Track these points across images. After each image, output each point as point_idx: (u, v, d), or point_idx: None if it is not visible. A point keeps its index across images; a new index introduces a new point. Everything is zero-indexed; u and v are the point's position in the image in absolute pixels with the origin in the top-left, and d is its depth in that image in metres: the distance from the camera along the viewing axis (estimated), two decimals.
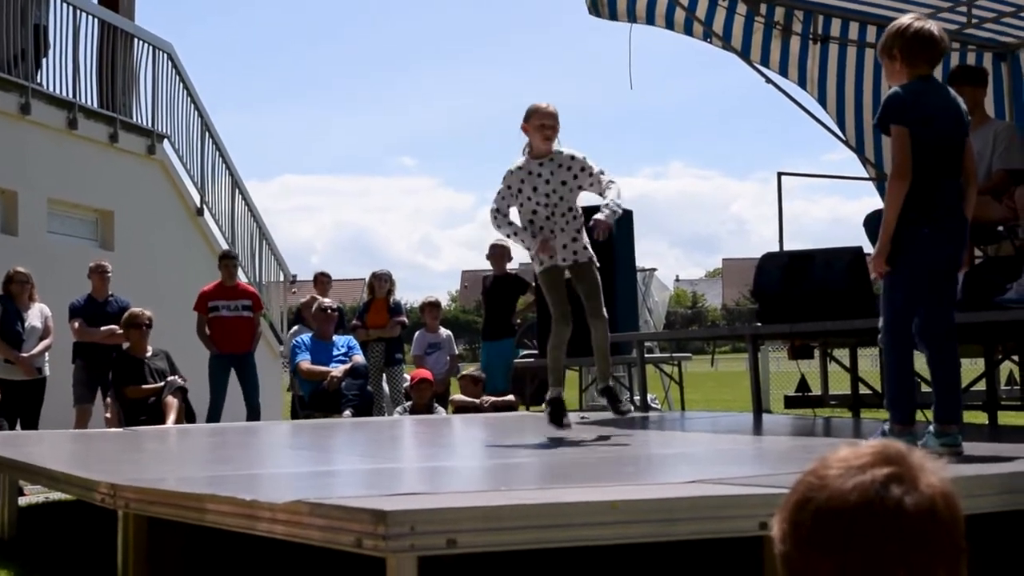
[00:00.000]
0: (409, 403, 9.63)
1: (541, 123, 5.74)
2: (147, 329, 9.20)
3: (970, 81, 6.78)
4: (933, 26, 4.33)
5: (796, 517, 1.25)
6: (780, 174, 10.33)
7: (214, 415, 9.92)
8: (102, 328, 9.62)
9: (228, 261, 10.70)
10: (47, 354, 9.18)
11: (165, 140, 13.71)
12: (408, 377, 10.36)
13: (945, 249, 4.29)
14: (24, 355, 8.90)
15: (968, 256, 4.50)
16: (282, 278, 15.96)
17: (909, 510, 1.20)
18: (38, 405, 8.99)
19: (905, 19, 4.37)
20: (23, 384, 8.88)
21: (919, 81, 4.31)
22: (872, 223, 4.97)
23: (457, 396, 10.06)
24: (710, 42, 10.07)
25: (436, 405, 9.65)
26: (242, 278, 14.79)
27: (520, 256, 11.00)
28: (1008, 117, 9.61)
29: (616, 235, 10.04)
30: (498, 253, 10.77)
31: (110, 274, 9.94)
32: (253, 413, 10.25)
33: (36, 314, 9.17)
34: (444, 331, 11.14)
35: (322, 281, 11.87)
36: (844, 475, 1.23)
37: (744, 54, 10.02)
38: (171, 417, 8.60)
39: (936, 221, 4.24)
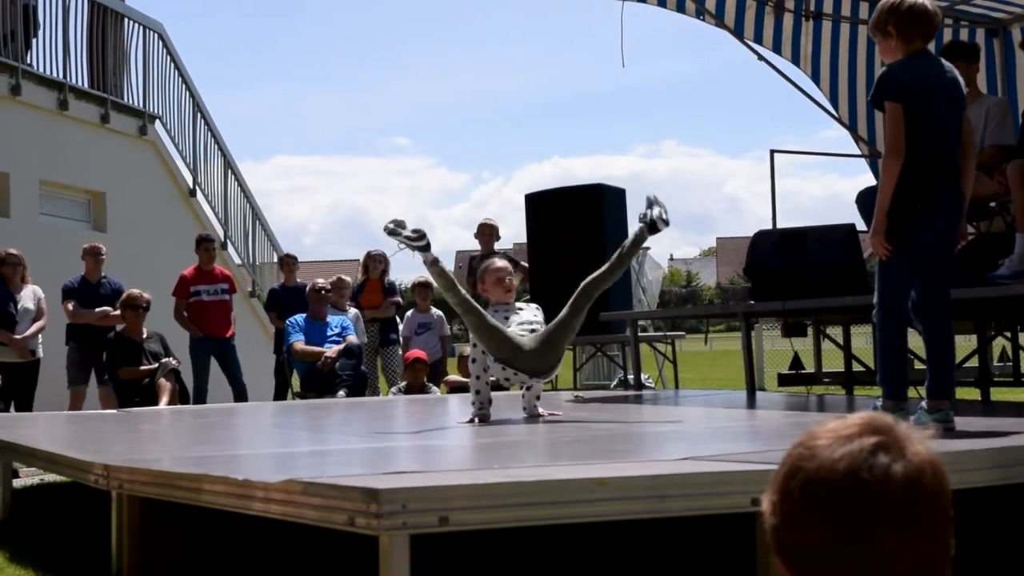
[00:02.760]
0: (403, 384, 9.64)
1: (499, 278, 5.74)
2: (144, 312, 9.22)
3: (963, 56, 6.77)
4: (926, 0, 4.31)
5: (785, 488, 1.26)
6: (773, 152, 10.33)
7: (199, 397, 9.96)
8: (96, 310, 9.62)
9: (207, 244, 10.74)
10: (40, 336, 9.17)
11: (157, 121, 13.68)
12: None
13: (941, 224, 4.29)
14: (17, 337, 8.89)
15: (964, 231, 4.50)
16: (276, 259, 15.95)
17: (896, 478, 1.21)
18: (32, 387, 8.98)
19: None
20: (17, 366, 8.86)
21: (914, 57, 4.30)
22: (864, 200, 4.97)
23: (452, 376, 10.06)
24: (703, 19, 10.05)
25: (428, 384, 9.65)
26: (236, 259, 14.82)
27: (508, 235, 10.98)
28: (1000, 93, 9.61)
29: (608, 214, 10.07)
30: (487, 232, 10.73)
31: (104, 256, 9.93)
32: (240, 393, 10.32)
33: (29, 296, 9.15)
34: (435, 311, 11.14)
35: (288, 263, 11.78)
36: (832, 445, 1.24)
37: (737, 32, 10.00)
38: (164, 399, 8.61)
39: (931, 197, 4.24)
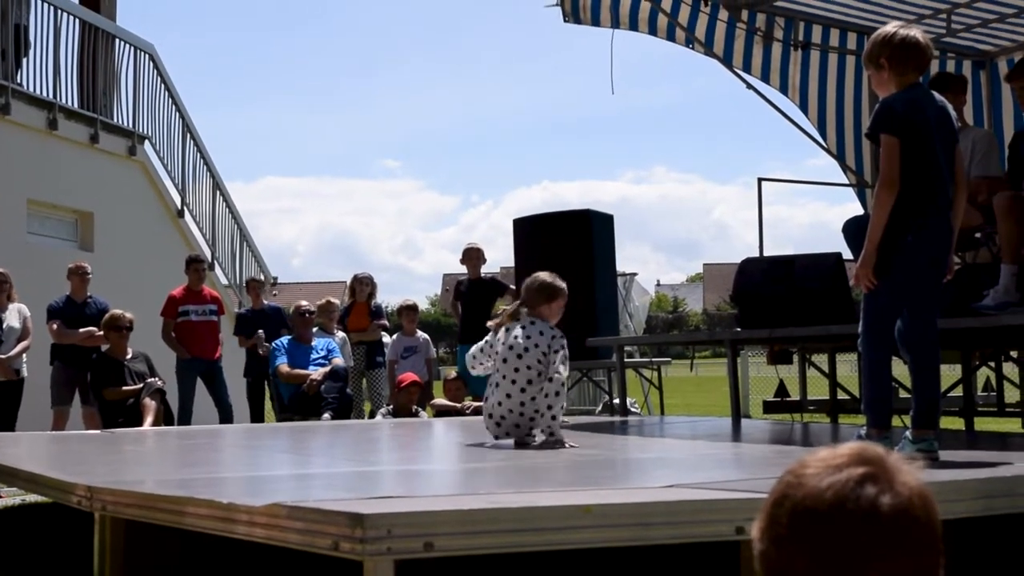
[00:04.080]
0: (391, 406, 9.62)
1: (562, 306, 5.63)
2: (127, 332, 9.19)
3: (951, 89, 6.81)
4: (918, 33, 4.34)
5: (773, 515, 1.27)
6: (761, 180, 10.37)
7: (184, 418, 9.93)
8: (81, 330, 9.58)
9: (197, 265, 10.73)
10: (25, 355, 9.13)
11: (146, 141, 13.68)
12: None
13: (929, 255, 4.31)
14: (2, 356, 8.85)
15: (952, 264, 4.52)
16: (249, 277, 15.92)
17: (883, 509, 1.22)
18: (15, 407, 8.94)
19: (889, 27, 4.38)
20: (0, 385, 8.82)
21: (909, 90, 4.33)
22: (851, 229, 4.99)
23: (439, 400, 10.04)
24: (692, 48, 10.10)
25: (416, 408, 9.63)
26: (223, 280, 14.81)
27: (496, 259, 11.02)
28: (986, 124, 9.68)
29: (596, 239, 10.10)
30: (473, 256, 10.73)
31: (90, 275, 9.90)
32: (226, 414, 10.29)
33: (14, 314, 9.12)
34: (421, 334, 11.13)
35: (254, 287, 11.77)
36: (820, 474, 1.25)
37: (726, 60, 10.06)
38: (149, 419, 8.58)
39: (921, 229, 4.26)
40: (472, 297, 10.80)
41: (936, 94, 4.48)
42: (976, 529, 3.78)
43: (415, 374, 10.11)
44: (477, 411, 9.54)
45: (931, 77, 7.36)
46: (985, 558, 4.09)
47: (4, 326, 9.00)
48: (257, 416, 10.78)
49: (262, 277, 12.09)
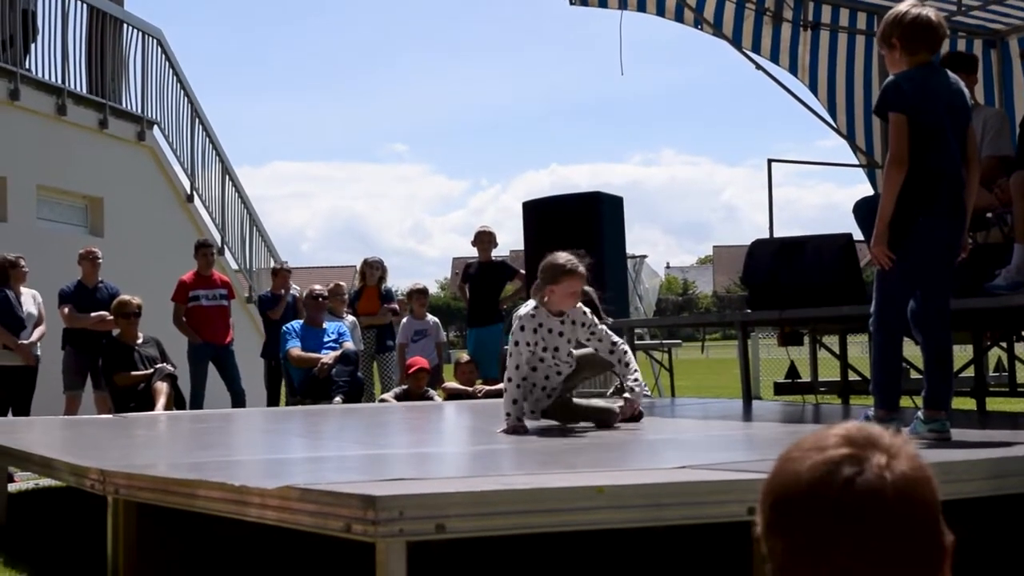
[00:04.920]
0: (400, 388, 9.63)
1: (574, 291, 5.36)
2: (136, 317, 9.20)
3: (962, 68, 6.77)
4: (930, 12, 4.32)
5: (761, 498, 1.26)
6: (770, 161, 10.35)
7: (196, 403, 9.96)
8: (92, 314, 9.61)
9: (206, 250, 10.74)
10: (41, 338, 9.18)
11: (155, 126, 13.68)
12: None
13: (941, 236, 4.30)
14: (24, 341, 8.90)
15: (966, 243, 4.50)
16: (272, 265, 15.94)
17: (857, 490, 1.17)
18: (30, 392, 8.97)
19: (902, 7, 4.36)
20: (15, 370, 8.85)
21: (919, 68, 4.31)
22: (861, 210, 4.96)
23: (450, 384, 10.05)
24: (701, 29, 10.07)
25: (428, 390, 9.64)
26: (233, 265, 14.82)
27: (506, 243, 11.01)
28: (997, 104, 9.64)
29: (605, 222, 10.09)
30: (484, 239, 10.78)
31: (100, 260, 9.92)
32: (238, 399, 10.32)
33: (29, 300, 9.16)
34: (431, 318, 11.13)
35: (283, 276, 11.78)
36: (804, 456, 1.22)
37: (735, 41, 10.02)
38: (160, 403, 8.60)
39: (933, 208, 4.25)
40: (481, 280, 10.81)
41: (949, 72, 4.46)
42: (988, 509, 3.77)
43: (425, 357, 10.14)
44: (489, 394, 9.57)
45: (942, 56, 7.32)
46: (997, 537, 4.09)
47: (24, 312, 9.04)
48: (274, 399, 10.79)
49: (288, 266, 12.10)
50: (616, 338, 5.53)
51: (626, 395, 5.52)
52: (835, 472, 1.19)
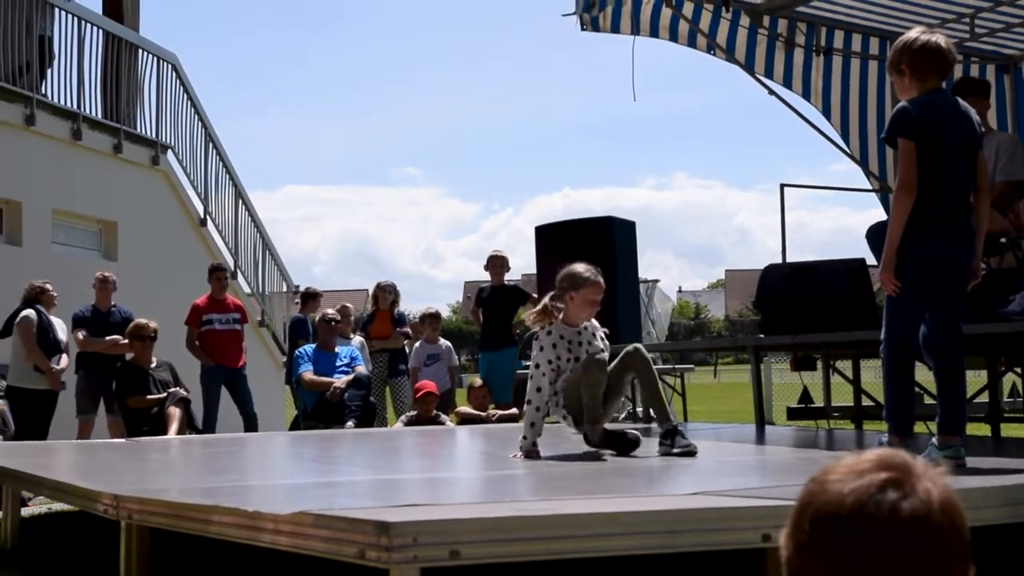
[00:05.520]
0: (412, 413, 9.63)
1: (594, 299, 5.49)
2: (151, 341, 9.23)
3: (974, 93, 6.79)
4: (940, 38, 4.34)
5: (797, 521, 1.26)
6: (783, 185, 10.35)
7: (209, 426, 9.96)
8: (106, 338, 9.64)
9: (220, 274, 10.78)
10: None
11: (169, 151, 13.75)
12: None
13: (951, 261, 4.30)
14: (56, 367, 8.99)
15: (978, 268, 4.50)
16: (285, 289, 15.98)
17: (903, 515, 1.20)
18: (49, 416, 9.03)
19: (912, 33, 4.38)
20: (39, 394, 8.91)
21: (929, 94, 4.32)
22: (874, 234, 4.97)
23: (463, 408, 10.04)
24: (713, 54, 10.09)
25: (439, 415, 9.64)
26: (245, 288, 14.86)
27: (518, 267, 11.02)
28: (1011, 129, 9.63)
29: (618, 246, 10.08)
30: (496, 264, 10.79)
31: (114, 284, 9.96)
32: (251, 423, 10.32)
33: (59, 327, 9.27)
34: (444, 342, 11.13)
35: (312, 303, 11.94)
36: (843, 480, 1.24)
37: (748, 66, 10.04)
38: (173, 428, 8.61)
39: (942, 234, 4.25)
40: (494, 304, 10.81)
41: (959, 99, 4.47)
42: (1004, 536, 3.75)
43: (437, 382, 10.14)
44: (502, 419, 9.56)
45: (955, 81, 7.33)
46: (1013, 565, 4.06)
47: (58, 337, 9.14)
48: (297, 423, 10.78)
49: (320, 290, 12.25)
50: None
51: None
52: (881, 495, 1.21)
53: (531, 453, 5.34)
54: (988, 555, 3.69)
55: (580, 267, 5.51)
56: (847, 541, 1.21)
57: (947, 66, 4.37)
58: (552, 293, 5.56)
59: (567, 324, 5.52)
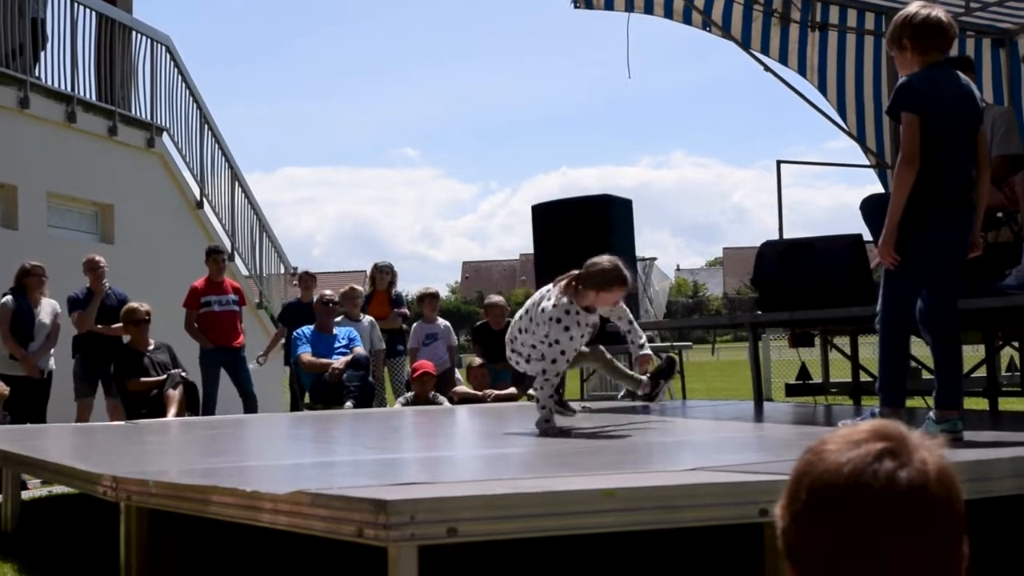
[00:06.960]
0: (410, 394, 9.63)
1: (616, 300, 5.60)
2: (145, 324, 9.21)
3: (959, 69, 6.76)
4: (940, 12, 4.32)
5: (793, 491, 1.27)
6: (779, 162, 10.33)
7: (208, 407, 9.98)
8: (98, 325, 9.58)
9: (217, 256, 10.74)
10: (52, 350, 9.20)
11: (164, 133, 13.71)
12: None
13: (948, 234, 4.29)
14: (27, 354, 8.91)
15: (978, 240, 4.49)
16: (283, 270, 15.97)
17: (901, 484, 1.20)
18: (44, 402, 9.00)
19: (911, 8, 4.36)
20: (27, 380, 8.87)
21: (931, 68, 4.31)
22: (868, 207, 4.95)
23: (461, 388, 10.04)
24: (709, 31, 10.06)
25: (439, 396, 9.64)
26: (243, 271, 14.85)
27: (516, 246, 10.96)
28: (1006, 102, 9.61)
29: (615, 225, 10.08)
30: (497, 312, 10.54)
31: (103, 268, 9.80)
32: (250, 404, 10.33)
33: (47, 310, 9.18)
34: (442, 322, 11.10)
35: (306, 280, 11.79)
36: (839, 450, 1.24)
37: (743, 42, 10.02)
38: (172, 410, 8.62)
39: (942, 208, 4.24)
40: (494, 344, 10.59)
41: (960, 74, 4.45)
42: (1000, 509, 3.76)
43: (437, 361, 10.13)
44: (499, 399, 9.57)
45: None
46: (1009, 538, 4.07)
47: (37, 322, 9.06)
48: (296, 404, 10.77)
49: (314, 272, 12.13)
50: (631, 316, 5.92)
51: (642, 352, 5.89)
52: (878, 465, 1.21)
53: (548, 431, 5.40)
54: (986, 528, 3.71)
55: (612, 267, 5.46)
56: (845, 511, 1.21)
57: (948, 40, 4.36)
58: (580, 276, 5.51)
59: (586, 310, 5.54)
